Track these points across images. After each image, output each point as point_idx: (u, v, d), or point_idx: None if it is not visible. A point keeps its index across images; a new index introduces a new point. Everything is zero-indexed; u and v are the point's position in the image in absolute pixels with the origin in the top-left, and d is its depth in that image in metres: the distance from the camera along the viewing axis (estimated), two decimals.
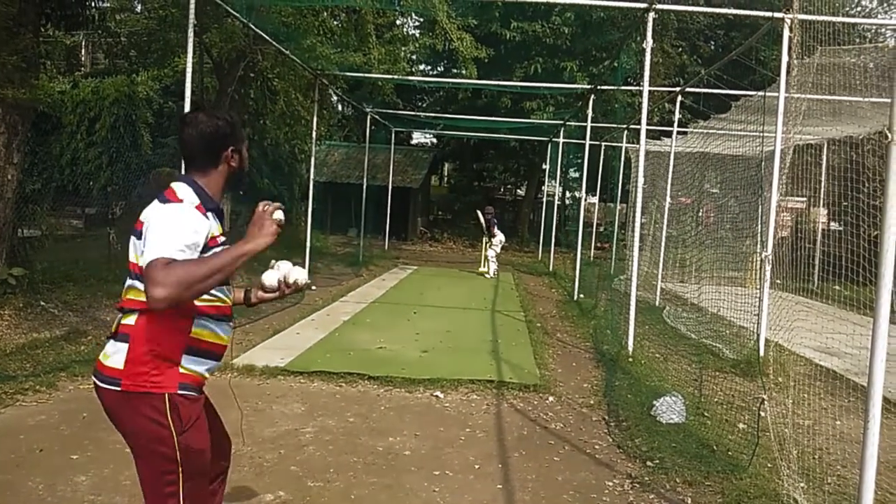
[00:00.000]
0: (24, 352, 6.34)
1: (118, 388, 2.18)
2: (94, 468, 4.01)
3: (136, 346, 2.18)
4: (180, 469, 2.21)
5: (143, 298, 2.05)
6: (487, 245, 15.60)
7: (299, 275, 2.45)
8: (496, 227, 15.46)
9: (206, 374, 2.34)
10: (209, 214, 2.27)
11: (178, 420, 2.19)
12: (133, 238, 2.23)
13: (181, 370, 2.23)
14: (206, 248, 2.19)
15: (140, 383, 2.17)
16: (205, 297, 2.23)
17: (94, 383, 2.28)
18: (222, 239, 2.32)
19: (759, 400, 4.66)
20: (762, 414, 4.78)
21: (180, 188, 2.29)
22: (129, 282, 2.25)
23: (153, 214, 2.16)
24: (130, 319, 2.20)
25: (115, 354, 2.20)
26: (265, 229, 2.15)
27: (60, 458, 4.13)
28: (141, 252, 2.12)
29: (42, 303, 8.02)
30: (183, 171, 2.41)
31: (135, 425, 2.22)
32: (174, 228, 2.10)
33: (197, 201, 2.26)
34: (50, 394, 5.35)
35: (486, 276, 15.22)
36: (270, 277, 2.45)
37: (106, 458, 4.13)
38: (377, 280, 13.77)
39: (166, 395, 2.19)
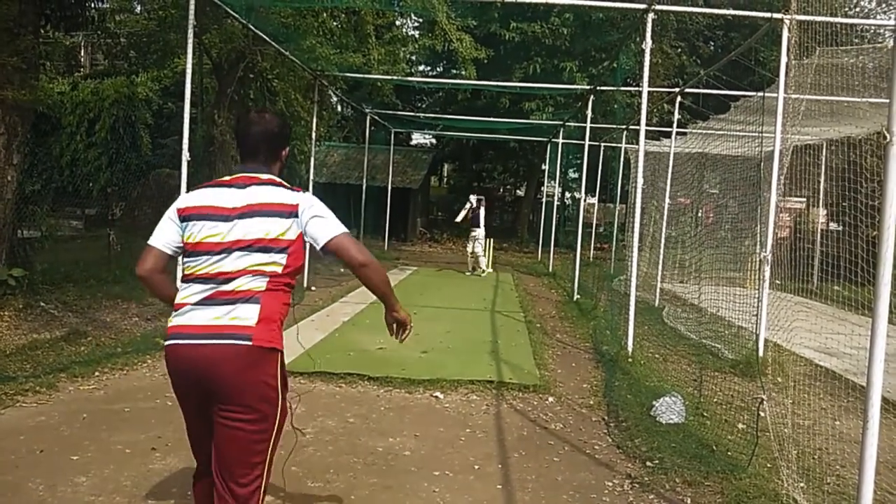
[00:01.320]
0: (24, 353, 6.34)
1: (248, 343, 2.35)
2: (94, 469, 4.01)
3: (267, 307, 2.42)
4: (276, 426, 2.49)
5: (274, 269, 2.45)
6: (474, 240, 15.36)
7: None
8: (482, 219, 15.18)
9: None
10: None
11: (283, 379, 2.52)
12: (271, 217, 2.47)
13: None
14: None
15: (270, 339, 2.42)
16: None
17: (191, 344, 2.38)
18: None
19: (759, 400, 4.66)
20: (761, 414, 4.79)
21: (280, 181, 2.65)
22: (254, 253, 2.44)
23: (310, 202, 2.55)
24: (258, 284, 2.42)
25: (240, 314, 2.38)
26: (405, 318, 2.90)
27: (61, 459, 4.13)
28: (294, 230, 2.49)
29: (42, 304, 8.03)
30: (244, 163, 2.65)
31: (250, 380, 2.38)
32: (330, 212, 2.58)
33: None
34: (50, 395, 5.35)
35: (481, 275, 15.18)
36: None
37: (106, 459, 4.13)
38: None
39: (280, 353, 2.49)
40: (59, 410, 5.02)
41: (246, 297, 2.41)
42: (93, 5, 9.96)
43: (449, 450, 4.72)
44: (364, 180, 17.41)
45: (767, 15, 7.24)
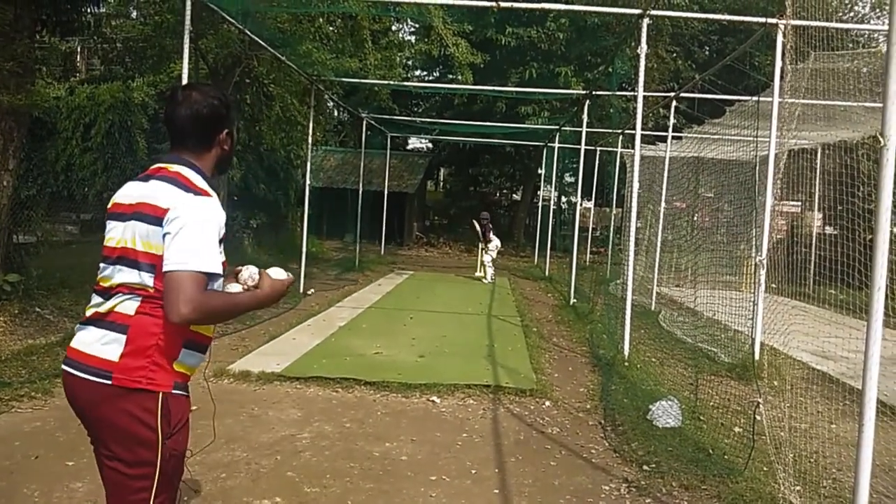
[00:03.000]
0: (20, 358, 6.32)
1: (108, 382, 2.00)
2: (89, 475, 3.99)
3: (136, 339, 2.01)
4: (157, 474, 2.04)
5: (149, 287, 2.02)
6: (483, 251, 15.61)
7: (278, 274, 2.28)
8: (492, 233, 15.48)
9: (194, 371, 2.20)
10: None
11: (167, 423, 2.04)
12: (142, 223, 2.05)
13: (176, 367, 2.08)
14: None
15: (136, 379, 2.00)
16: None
17: (69, 373, 2.10)
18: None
19: (755, 403, 4.67)
20: (757, 418, 4.79)
21: (191, 175, 2.13)
22: (125, 268, 2.06)
23: (185, 209, 2.01)
24: (128, 308, 2.04)
25: (106, 344, 2.03)
26: (280, 291, 2.21)
27: (56, 465, 4.12)
28: (161, 241, 2.01)
29: (37, 309, 8.00)
30: (171, 152, 2.22)
31: (118, 423, 2.02)
32: (209, 235, 2.02)
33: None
34: (45, 400, 5.34)
35: (483, 281, 15.24)
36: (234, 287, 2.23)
37: None
38: (373, 285, 13.77)
39: (160, 395, 2.02)
40: (55, 416, 5.00)
41: (117, 323, 2.04)
42: (89, 10, 9.96)
43: (446, 454, 4.71)
44: (360, 185, 17.39)
45: (762, 20, 7.27)
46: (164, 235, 2.01)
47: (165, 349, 2.04)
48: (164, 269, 1.96)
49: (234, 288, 2.18)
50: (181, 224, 1.99)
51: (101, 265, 2.13)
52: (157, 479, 2.04)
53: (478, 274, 15.81)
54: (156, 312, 2.03)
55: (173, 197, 2.04)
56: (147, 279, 2.03)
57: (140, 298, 2.04)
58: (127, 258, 2.06)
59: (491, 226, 15.60)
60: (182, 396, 2.13)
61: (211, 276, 2.03)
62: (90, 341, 2.07)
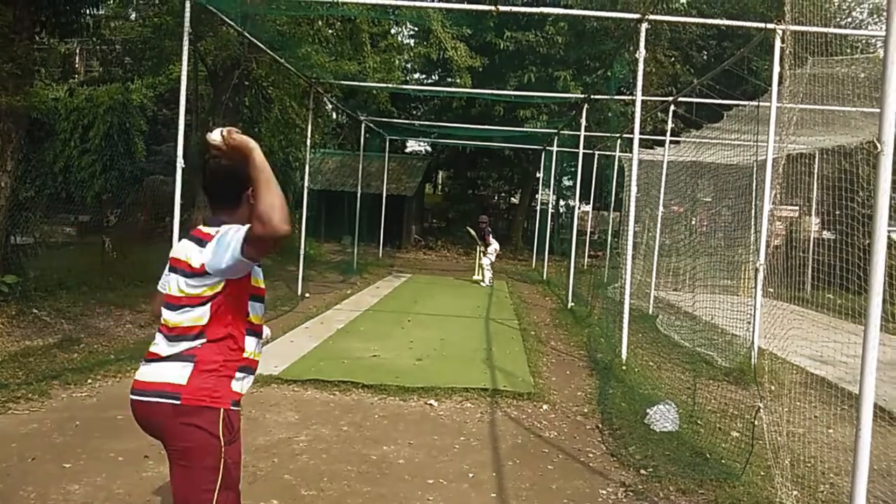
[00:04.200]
0: (17, 360, 6.31)
1: (177, 402, 2.30)
2: (86, 477, 3.99)
3: (202, 365, 2.34)
4: (220, 479, 2.36)
5: (202, 323, 2.33)
6: (482, 253, 15.62)
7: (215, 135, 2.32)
8: (490, 236, 15.48)
9: (244, 391, 2.52)
10: None
11: (228, 433, 2.37)
12: (176, 275, 2.39)
13: (234, 387, 2.41)
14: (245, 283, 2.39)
15: (200, 398, 2.32)
16: (257, 314, 2.48)
17: (139, 401, 2.37)
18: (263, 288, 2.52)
19: (755, 408, 4.67)
20: (756, 423, 4.79)
21: (207, 228, 2.41)
22: (180, 311, 2.35)
23: (204, 247, 2.31)
24: (195, 342, 2.34)
25: (174, 372, 2.32)
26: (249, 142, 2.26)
27: (53, 467, 4.11)
28: (193, 289, 2.33)
29: (35, 310, 7.99)
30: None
31: (188, 438, 2.32)
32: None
33: None
34: (42, 402, 5.32)
35: (481, 284, 15.24)
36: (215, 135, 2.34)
37: (99, 467, 4.11)
38: (371, 288, 13.77)
39: (221, 410, 2.35)
40: (52, 418, 4.99)
41: (182, 356, 2.36)
42: (88, 12, 9.96)
43: (443, 458, 4.71)
44: (359, 187, 17.39)
45: (760, 25, 7.30)
46: (200, 265, 2.31)
47: (225, 372, 2.38)
48: (238, 239, 2.17)
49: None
50: (211, 246, 2.28)
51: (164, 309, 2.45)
52: (218, 485, 2.36)
53: (476, 277, 15.83)
54: (216, 342, 2.36)
55: (191, 247, 2.38)
56: (201, 315, 2.35)
57: (203, 334, 2.35)
58: (181, 304, 2.37)
59: (490, 229, 15.61)
60: (237, 411, 2.47)
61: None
62: (154, 373, 2.37)
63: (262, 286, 2.51)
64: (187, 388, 2.31)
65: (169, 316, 2.40)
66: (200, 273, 2.30)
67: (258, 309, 2.49)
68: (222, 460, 2.36)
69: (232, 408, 2.40)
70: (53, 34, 9.91)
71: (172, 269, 2.43)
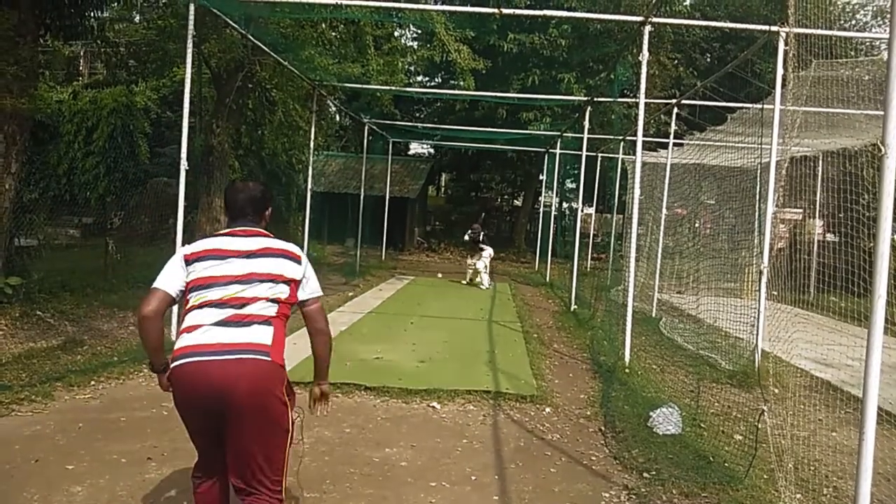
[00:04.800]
0: (20, 361, 6.32)
1: (268, 359, 2.71)
2: (89, 478, 3.99)
3: (278, 331, 2.83)
4: (290, 438, 2.88)
5: (280, 297, 2.84)
6: (477, 258, 15.52)
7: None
8: (484, 242, 15.42)
9: None
10: None
11: (291, 395, 2.95)
12: (284, 259, 2.91)
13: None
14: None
15: (281, 357, 2.82)
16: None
17: (227, 360, 2.62)
18: None
19: (760, 411, 4.66)
20: (759, 426, 4.78)
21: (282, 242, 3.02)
22: (265, 285, 2.81)
23: (303, 255, 3.04)
24: (271, 311, 2.80)
25: (259, 335, 2.72)
26: (329, 392, 3.48)
27: (56, 469, 4.12)
28: (302, 278, 2.98)
29: (38, 312, 8.00)
30: (233, 221, 3.04)
31: (271, 395, 2.72)
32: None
33: None
34: (45, 404, 5.33)
35: (482, 286, 15.21)
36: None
37: (102, 469, 4.12)
38: (374, 290, 13.77)
39: (285, 370, 2.85)
40: (55, 419, 5.00)
41: (261, 321, 2.75)
42: (92, 15, 9.99)
43: (446, 460, 4.71)
44: (362, 189, 17.42)
45: (764, 27, 7.29)
46: (305, 273, 3.03)
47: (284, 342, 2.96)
48: (312, 296, 3.10)
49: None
50: (310, 269, 3.09)
51: (213, 289, 2.80)
52: (289, 443, 2.90)
53: (464, 282, 15.74)
54: (284, 315, 2.94)
55: (295, 248, 3.05)
56: (285, 290, 2.93)
57: (277, 305, 2.88)
58: (267, 279, 2.87)
59: (483, 233, 15.54)
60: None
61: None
62: (241, 336, 2.72)
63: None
64: (272, 348, 2.80)
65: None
66: (296, 266, 2.97)
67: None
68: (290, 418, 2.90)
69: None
70: (58, 37, 9.95)
71: (278, 255, 2.92)
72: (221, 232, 3.01)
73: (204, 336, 2.67)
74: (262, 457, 2.74)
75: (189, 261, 2.81)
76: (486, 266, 15.40)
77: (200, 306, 2.74)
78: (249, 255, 2.86)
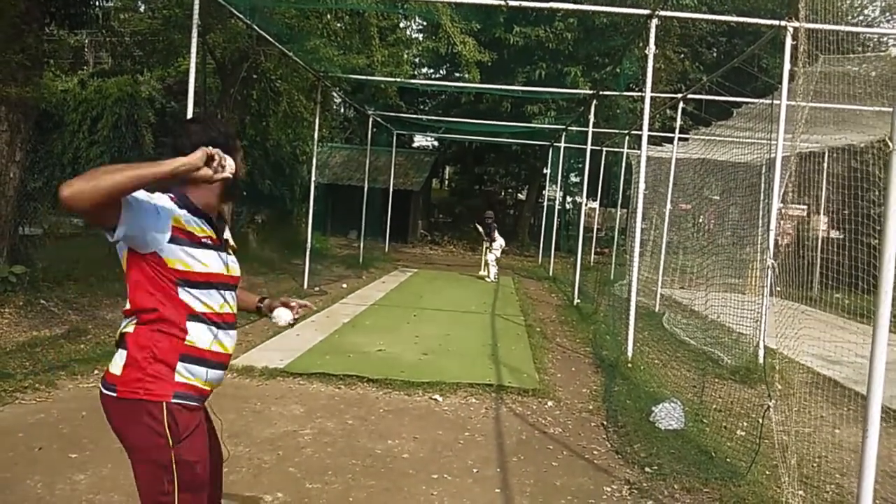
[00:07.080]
0: (24, 350, 6.34)
1: (114, 394, 2.17)
2: (92, 467, 4.01)
3: (133, 352, 2.16)
4: (176, 480, 2.16)
5: (137, 304, 2.18)
6: (487, 249, 15.61)
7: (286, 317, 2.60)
8: (496, 232, 15.46)
9: (207, 385, 2.27)
10: (184, 209, 2.22)
11: (176, 429, 2.15)
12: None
13: (178, 378, 2.18)
14: (173, 237, 2.17)
15: (134, 389, 2.14)
16: (203, 301, 2.22)
17: (99, 389, 2.26)
18: (207, 241, 2.25)
19: (765, 406, 4.65)
20: (764, 421, 4.77)
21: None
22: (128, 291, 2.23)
23: None
24: (129, 327, 2.21)
25: (115, 361, 2.21)
26: (195, 155, 2.09)
27: (59, 457, 4.13)
28: (124, 259, 2.25)
29: (42, 301, 8.02)
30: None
31: (130, 432, 2.21)
32: None
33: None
34: (49, 392, 5.35)
35: (487, 279, 15.24)
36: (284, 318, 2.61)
37: (105, 457, 4.13)
38: (377, 282, 13.78)
39: (163, 404, 2.14)
40: (59, 408, 5.02)
41: (117, 342, 2.27)
42: (97, 4, 9.99)
43: (448, 453, 4.71)
44: (366, 182, 17.40)
45: (772, 22, 7.24)
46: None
47: (160, 360, 2.16)
48: None
49: (285, 316, 2.58)
50: None
51: None
52: (176, 486, 2.15)
53: (482, 273, 15.83)
54: (147, 326, 2.18)
55: None
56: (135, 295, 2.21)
57: (136, 316, 2.21)
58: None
59: (495, 224, 15.59)
60: (190, 406, 2.21)
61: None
62: (113, 360, 2.25)
63: (204, 271, 2.23)
64: (121, 378, 2.16)
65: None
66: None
67: (202, 296, 2.22)
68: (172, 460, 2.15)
69: (175, 401, 2.16)
70: (63, 26, 9.94)
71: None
72: None
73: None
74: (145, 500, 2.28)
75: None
76: (496, 258, 15.43)
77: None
78: None
